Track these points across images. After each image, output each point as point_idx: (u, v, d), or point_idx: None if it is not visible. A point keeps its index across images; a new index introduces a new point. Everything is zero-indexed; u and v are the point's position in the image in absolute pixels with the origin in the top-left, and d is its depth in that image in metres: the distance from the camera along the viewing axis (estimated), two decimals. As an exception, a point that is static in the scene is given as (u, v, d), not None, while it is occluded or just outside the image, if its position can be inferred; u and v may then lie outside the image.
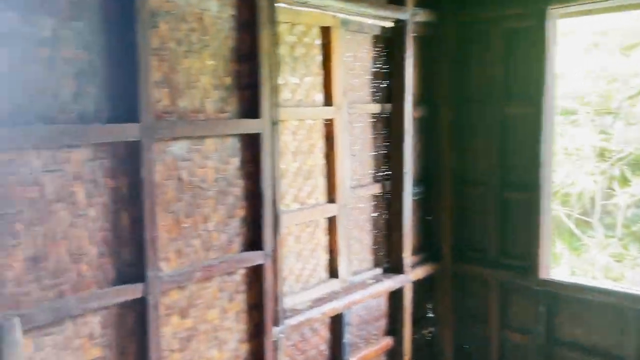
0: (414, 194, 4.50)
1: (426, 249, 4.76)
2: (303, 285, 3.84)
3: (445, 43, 4.59)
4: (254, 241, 3.21)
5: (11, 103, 2.25)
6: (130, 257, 2.66)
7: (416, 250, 4.62)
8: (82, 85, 2.46)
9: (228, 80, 3.04)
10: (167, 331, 2.81)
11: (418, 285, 4.57)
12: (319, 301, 3.80)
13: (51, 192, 2.38)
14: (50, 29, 2.34)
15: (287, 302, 3.56)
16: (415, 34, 4.33)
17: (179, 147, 2.84)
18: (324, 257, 3.99)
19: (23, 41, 2.26)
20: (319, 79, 3.86)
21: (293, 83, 3.70)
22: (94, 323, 2.54)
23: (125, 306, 2.64)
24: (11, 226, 2.26)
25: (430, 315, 4.82)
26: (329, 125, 3.93)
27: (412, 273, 4.46)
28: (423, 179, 4.69)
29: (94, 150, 2.51)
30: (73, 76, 2.43)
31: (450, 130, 4.65)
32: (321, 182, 3.94)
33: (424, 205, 4.72)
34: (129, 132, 2.57)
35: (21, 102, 2.29)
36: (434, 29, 4.53)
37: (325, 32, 3.84)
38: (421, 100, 4.57)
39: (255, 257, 3.18)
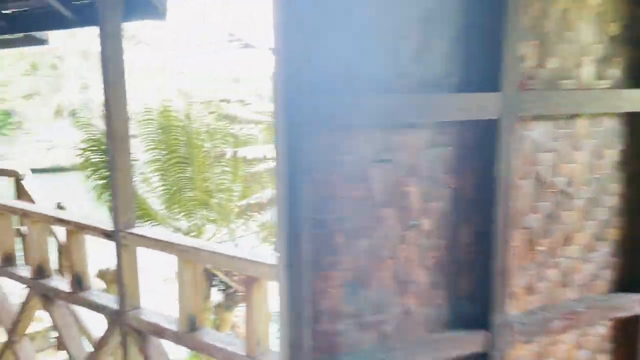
0: None
1: None
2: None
3: None
4: (627, 278, 2.10)
5: (336, 63, 1.57)
6: (468, 290, 1.82)
7: None
8: (427, 36, 1.67)
9: (614, 29, 1.96)
10: (507, 402, 1.92)
11: None
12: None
13: (380, 192, 1.66)
14: (392, -50, 1.59)
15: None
16: None
17: (540, 131, 1.88)
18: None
19: (360, -31, 1.55)
20: None
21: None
22: (419, 381, 1.78)
23: (457, 362, 1.82)
24: (331, 237, 1.60)
25: None
26: None
27: None
28: None
29: (434, 134, 1.72)
30: (418, 22, 1.65)
31: None
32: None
33: None
34: (486, 106, 1.71)
35: (347, 61, 1.59)
36: None
37: None
38: None
39: (631, 304, 2.08)
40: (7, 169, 6.74)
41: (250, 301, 2.72)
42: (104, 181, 7.09)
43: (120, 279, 3.26)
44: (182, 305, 3.02)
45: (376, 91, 1.63)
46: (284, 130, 1.49)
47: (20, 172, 6.36)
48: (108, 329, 3.47)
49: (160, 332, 3.14)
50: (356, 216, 1.62)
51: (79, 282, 3.65)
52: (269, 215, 6.43)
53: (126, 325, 3.28)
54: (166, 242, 3.03)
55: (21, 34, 5.62)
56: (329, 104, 1.55)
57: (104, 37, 3.21)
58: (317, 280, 1.57)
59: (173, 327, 3.08)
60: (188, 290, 3.00)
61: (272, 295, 2.90)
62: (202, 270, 3.10)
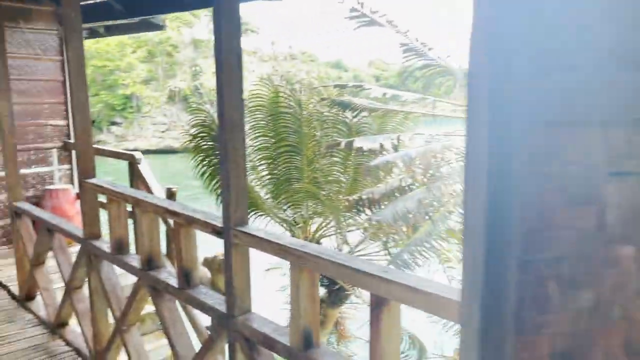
0: None
1: None
2: None
3: None
4: None
5: (556, 31, 1.05)
6: None
7: None
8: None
9: None
10: None
11: None
12: None
13: (616, 220, 1.11)
14: None
15: None
16: None
17: None
18: None
19: None
20: None
21: None
22: None
23: None
24: (540, 286, 1.09)
25: None
26: None
27: None
28: None
29: (702, 133, 1.13)
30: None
31: None
32: None
33: None
34: None
35: (573, 26, 1.06)
36: None
37: None
38: None
39: None
40: (124, 153, 6.92)
41: (377, 327, 2.28)
42: (213, 168, 7.06)
43: (229, 281, 2.97)
44: (295, 317, 2.66)
45: (615, 70, 1.08)
46: (481, 127, 1.00)
47: (136, 156, 6.47)
48: (215, 331, 3.23)
49: (271, 344, 2.81)
50: (578, 256, 1.09)
51: (187, 278, 3.44)
52: (382, 213, 5.98)
53: (234, 331, 3.00)
54: (282, 245, 2.67)
55: (137, 19, 5.64)
56: (546, 91, 1.03)
57: (219, 19, 2.89)
58: (517, 347, 1.07)
59: (285, 340, 2.74)
60: (304, 301, 2.63)
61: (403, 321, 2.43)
62: (319, 280, 2.72)
